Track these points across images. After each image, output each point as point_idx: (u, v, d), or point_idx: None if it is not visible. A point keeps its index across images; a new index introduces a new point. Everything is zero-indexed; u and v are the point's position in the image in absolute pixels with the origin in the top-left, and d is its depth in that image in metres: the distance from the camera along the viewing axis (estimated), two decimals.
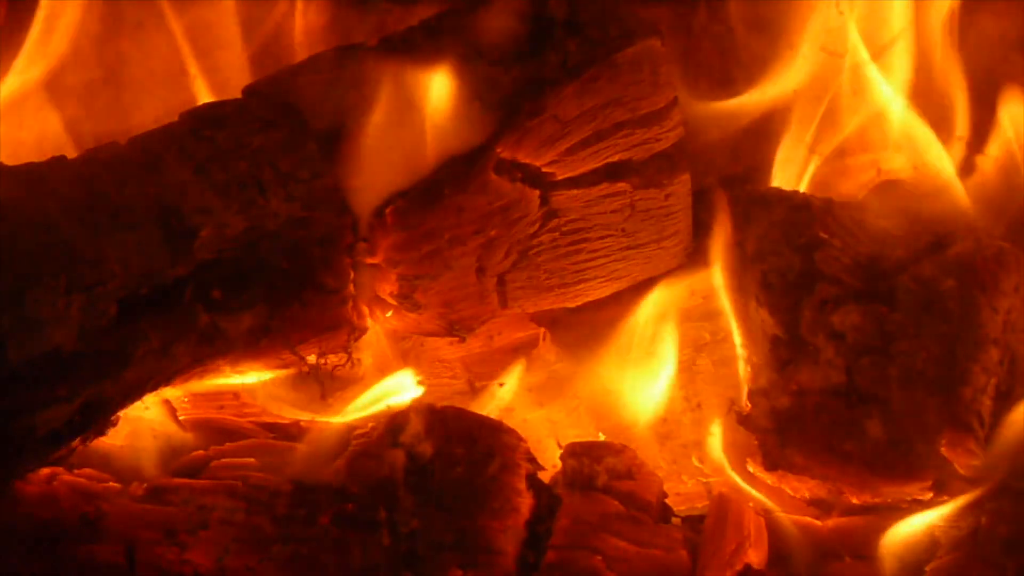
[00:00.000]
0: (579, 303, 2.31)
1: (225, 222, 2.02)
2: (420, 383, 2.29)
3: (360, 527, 2.02)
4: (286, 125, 2.11)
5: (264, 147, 2.09)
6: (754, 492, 2.16)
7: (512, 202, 2.18)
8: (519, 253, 2.21)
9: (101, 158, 2.05)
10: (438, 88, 2.15)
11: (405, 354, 2.32)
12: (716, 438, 2.22)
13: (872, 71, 2.44)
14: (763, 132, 2.45)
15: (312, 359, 2.13)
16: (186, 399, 2.20)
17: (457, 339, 2.23)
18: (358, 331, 2.15)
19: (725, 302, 2.25)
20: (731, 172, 2.49)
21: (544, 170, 2.21)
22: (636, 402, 2.27)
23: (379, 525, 2.02)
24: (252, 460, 2.10)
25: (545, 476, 2.14)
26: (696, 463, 2.28)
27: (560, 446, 2.17)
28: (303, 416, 2.20)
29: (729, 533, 2.07)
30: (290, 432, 2.18)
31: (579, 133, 2.21)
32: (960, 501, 2.04)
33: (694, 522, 2.16)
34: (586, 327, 2.34)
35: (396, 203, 2.11)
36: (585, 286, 2.29)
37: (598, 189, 2.24)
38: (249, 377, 2.18)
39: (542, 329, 2.37)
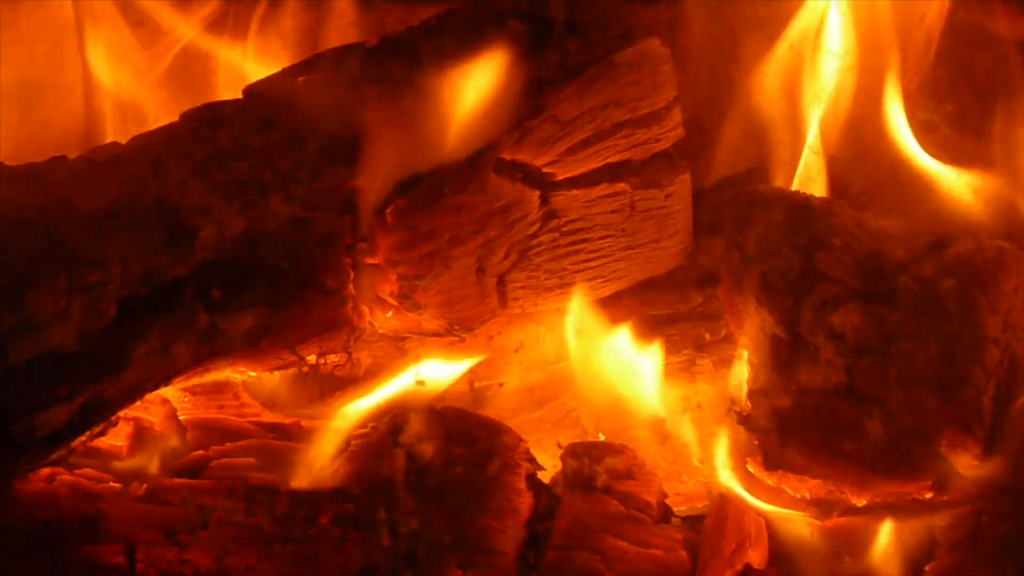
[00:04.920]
0: None
1: (225, 222, 2.02)
2: (420, 383, 2.30)
3: (360, 527, 2.02)
4: (286, 125, 2.11)
5: (264, 147, 2.09)
6: (754, 500, 2.16)
7: (512, 202, 2.18)
8: (519, 253, 2.21)
9: (101, 158, 2.05)
10: (437, 88, 2.15)
11: (405, 354, 2.32)
12: (722, 447, 2.22)
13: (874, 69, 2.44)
14: (763, 132, 2.45)
15: (312, 359, 2.14)
16: (186, 399, 2.20)
17: (457, 339, 2.23)
18: (358, 331, 2.15)
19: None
20: (731, 172, 2.49)
21: (544, 170, 2.21)
22: (636, 402, 2.27)
23: (379, 525, 2.02)
24: (252, 460, 2.10)
25: (545, 476, 2.14)
26: (696, 463, 2.28)
27: (560, 446, 2.17)
28: (303, 416, 2.20)
29: (729, 533, 2.07)
30: (290, 432, 2.18)
31: (579, 133, 2.21)
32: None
33: (694, 522, 2.16)
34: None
35: (396, 203, 2.11)
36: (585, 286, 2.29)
37: (598, 189, 2.24)
38: (249, 376, 2.18)
39: (542, 329, 2.37)
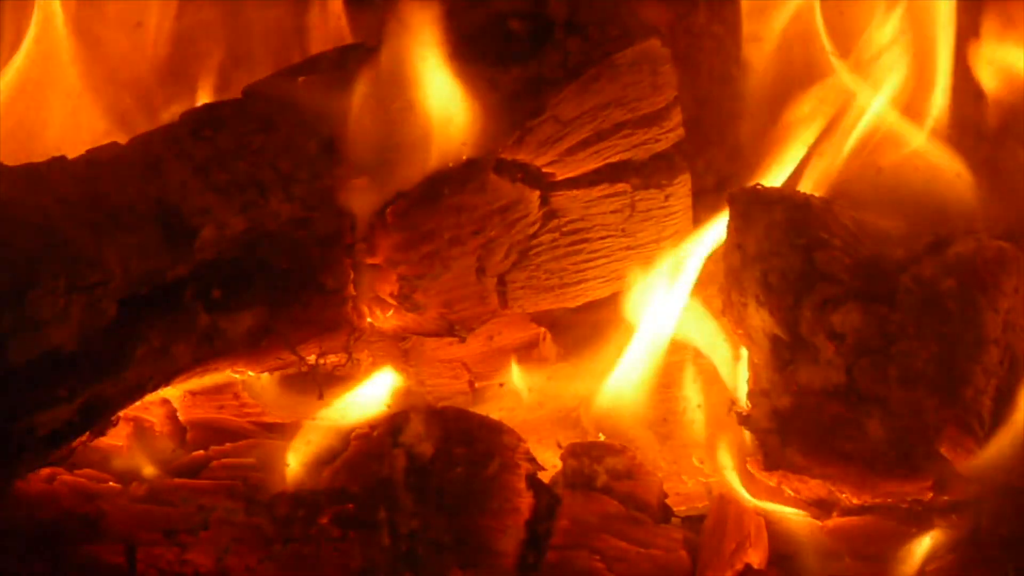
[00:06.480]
0: (579, 303, 2.31)
1: (225, 222, 2.02)
2: (420, 383, 2.30)
3: (360, 527, 2.02)
4: (286, 125, 2.11)
5: (264, 147, 2.09)
6: (754, 500, 2.16)
7: (512, 202, 2.18)
8: (519, 253, 2.21)
9: (101, 158, 2.05)
10: (439, 88, 2.15)
11: (405, 354, 2.32)
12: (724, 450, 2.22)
13: (874, 70, 2.44)
14: (763, 132, 2.45)
15: (312, 359, 2.14)
16: (186, 399, 2.20)
17: (457, 339, 2.23)
18: (358, 331, 2.15)
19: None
20: (731, 172, 2.49)
21: (544, 170, 2.21)
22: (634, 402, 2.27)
23: (379, 525, 2.02)
24: (252, 460, 2.10)
25: (545, 476, 2.14)
26: (696, 463, 2.28)
27: (560, 446, 2.17)
28: (303, 416, 2.20)
29: (729, 533, 2.07)
30: (290, 432, 2.18)
31: (579, 133, 2.21)
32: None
33: (694, 522, 2.16)
34: (586, 327, 2.34)
35: (396, 203, 2.11)
36: (585, 286, 2.29)
37: (598, 189, 2.25)
38: (249, 376, 2.18)
39: (542, 329, 2.37)
